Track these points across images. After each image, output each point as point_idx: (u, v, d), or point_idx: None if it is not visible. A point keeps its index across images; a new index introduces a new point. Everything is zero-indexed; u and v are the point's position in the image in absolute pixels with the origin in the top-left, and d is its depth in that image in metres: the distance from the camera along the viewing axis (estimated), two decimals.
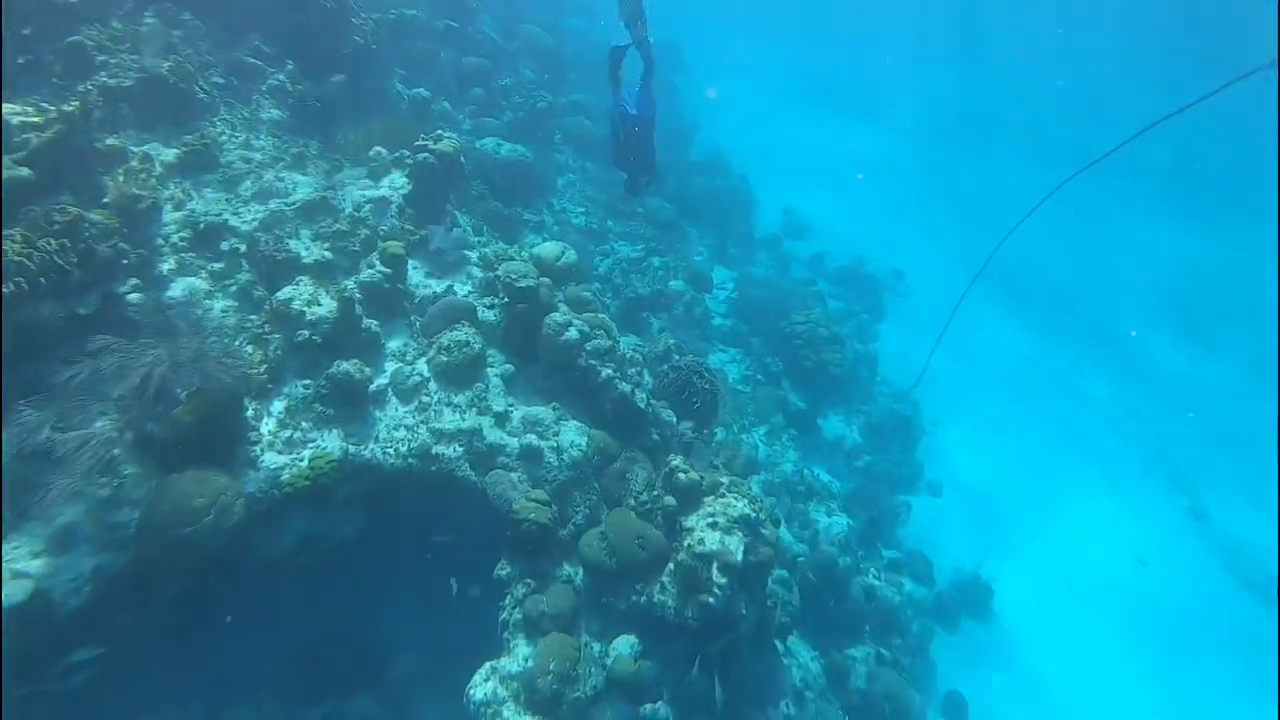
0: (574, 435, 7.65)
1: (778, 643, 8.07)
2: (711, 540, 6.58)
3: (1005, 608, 12.69)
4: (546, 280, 8.25)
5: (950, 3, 43.59)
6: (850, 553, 10.84)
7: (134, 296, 6.28)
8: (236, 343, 6.69)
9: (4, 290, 5.26)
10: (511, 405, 7.67)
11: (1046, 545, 14.34)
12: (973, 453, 15.66)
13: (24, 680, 5.11)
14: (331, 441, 6.69)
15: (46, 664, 5.28)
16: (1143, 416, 18.85)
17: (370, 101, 11.28)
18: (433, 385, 7.46)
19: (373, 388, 7.12)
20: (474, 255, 8.94)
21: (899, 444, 14.66)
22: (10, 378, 5.33)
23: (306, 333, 6.88)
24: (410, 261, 8.29)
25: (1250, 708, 11.93)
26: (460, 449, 7.16)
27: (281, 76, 9.69)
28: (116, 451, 5.54)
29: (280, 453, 6.44)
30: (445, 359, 7.50)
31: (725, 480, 7.28)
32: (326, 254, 7.76)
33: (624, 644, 6.60)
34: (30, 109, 6.40)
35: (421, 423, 7.17)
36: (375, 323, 7.47)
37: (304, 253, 7.62)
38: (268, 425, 6.54)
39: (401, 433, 7.04)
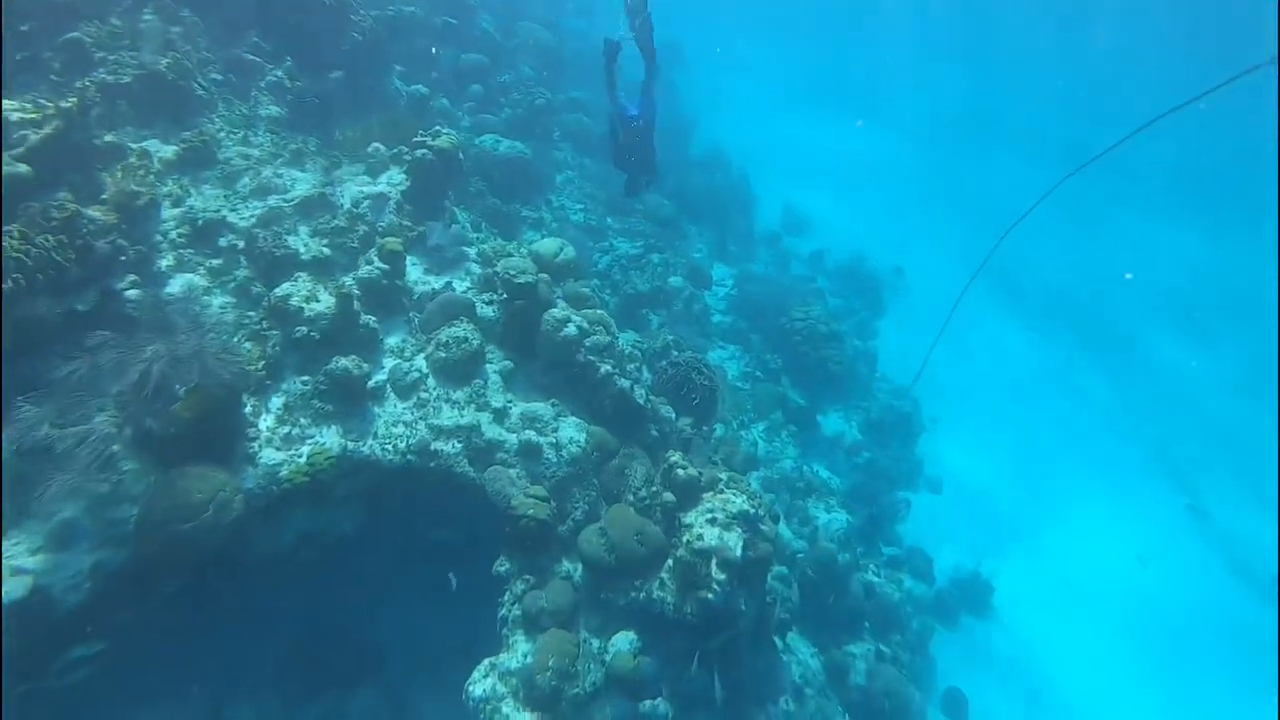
0: (573, 431, 7.65)
1: (777, 639, 8.06)
2: (710, 536, 6.57)
3: (1005, 605, 12.70)
4: (545, 276, 8.23)
5: (953, 2, 43.48)
6: (850, 549, 10.84)
7: (132, 293, 6.28)
8: (235, 339, 6.69)
9: (3, 286, 5.26)
10: (510, 401, 7.67)
11: (1046, 542, 14.36)
12: (973, 450, 15.66)
13: (24, 677, 5.12)
14: (330, 438, 6.69)
15: (47, 660, 5.29)
16: (1143, 414, 18.84)
17: (369, 98, 11.27)
18: (431, 381, 7.45)
19: (371, 384, 7.12)
20: (472, 252, 8.93)
21: (898, 440, 14.67)
22: (9, 374, 5.32)
23: (305, 329, 6.89)
24: (408, 258, 8.28)
25: (1251, 705, 11.92)
26: (459, 445, 7.16)
27: (280, 73, 9.69)
28: (115, 448, 5.55)
29: (279, 449, 6.44)
30: (444, 355, 7.50)
31: (724, 476, 7.27)
32: (325, 250, 7.76)
33: (623, 640, 6.59)
34: (29, 105, 6.41)
35: (420, 419, 7.16)
36: (373, 319, 7.47)
37: (302, 249, 7.63)
38: (266, 421, 6.55)
39: (400, 429, 7.04)
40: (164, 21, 8.69)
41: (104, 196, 6.55)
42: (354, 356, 6.94)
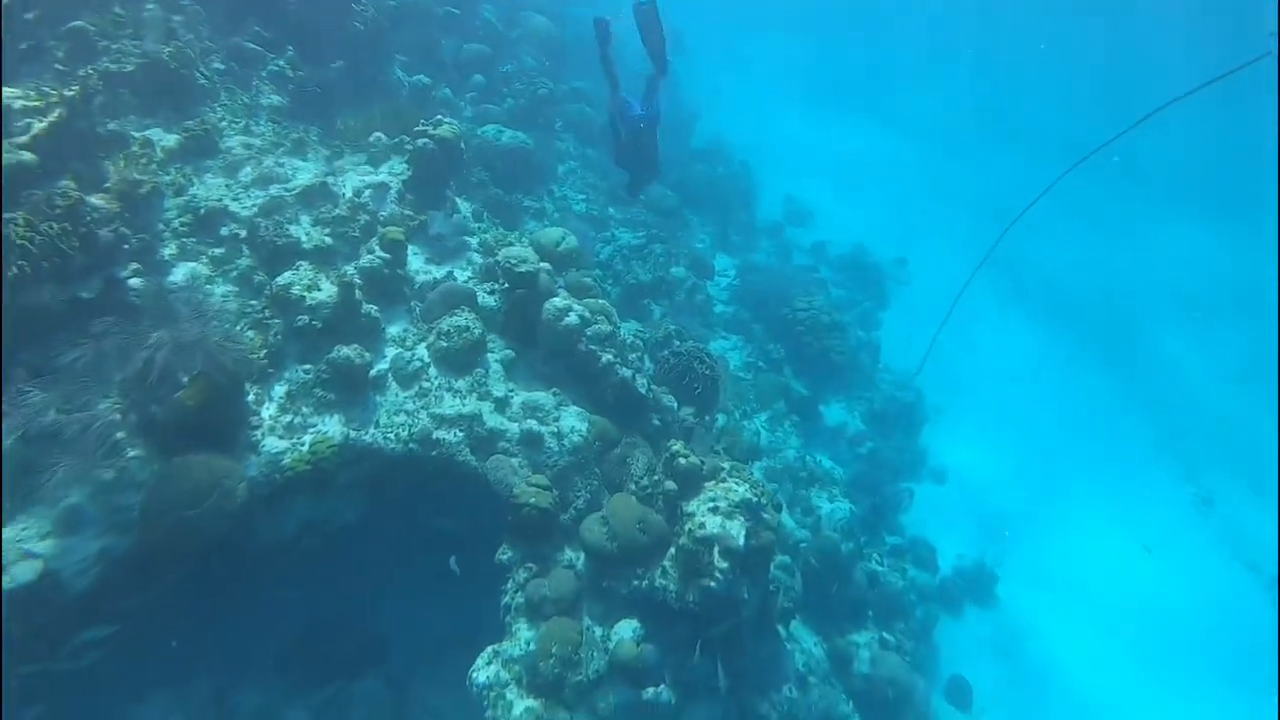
0: (574, 420, 7.65)
1: (780, 628, 8.07)
2: (713, 525, 6.57)
3: (1009, 594, 12.71)
4: (547, 266, 8.23)
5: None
6: (853, 538, 10.83)
7: (135, 281, 6.29)
8: (237, 328, 6.70)
9: (7, 274, 5.28)
10: (512, 390, 7.68)
11: (1051, 531, 14.35)
12: (976, 440, 15.64)
13: (36, 658, 5.18)
14: (332, 426, 6.71)
15: (58, 643, 5.35)
16: (1148, 404, 18.81)
17: (370, 88, 11.25)
18: (433, 370, 7.46)
19: (373, 373, 7.13)
20: (474, 241, 8.93)
21: (902, 431, 14.67)
22: (13, 361, 5.35)
23: (307, 318, 6.89)
24: (410, 247, 8.28)
25: (1256, 697, 11.92)
26: (461, 434, 7.17)
27: (282, 62, 9.67)
28: (120, 434, 5.58)
29: (281, 437, 6.46)
30: (445, 344, 7.51)
31: (726, 465, 7.28)
32: (326, 239, 7.76)
33: (626, 628, 6.61)
34: (32, 93, 6.40)
35: (422, 408, 7.18)
36: (375, 308, 7.47)
37: (304, 238, 7.63)
38: (269, 410, 6.56)
39: (402, 418, 7.05)
40: (166, 10, 8.66)
41: (107, 185, 6.55)
42: (356, 345, 6.95)
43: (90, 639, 5.44)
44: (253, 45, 9.58)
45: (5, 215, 5.46)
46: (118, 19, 8.03)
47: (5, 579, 4.91)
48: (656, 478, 7.14)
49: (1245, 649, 12.68)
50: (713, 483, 7.04)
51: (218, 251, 7.21)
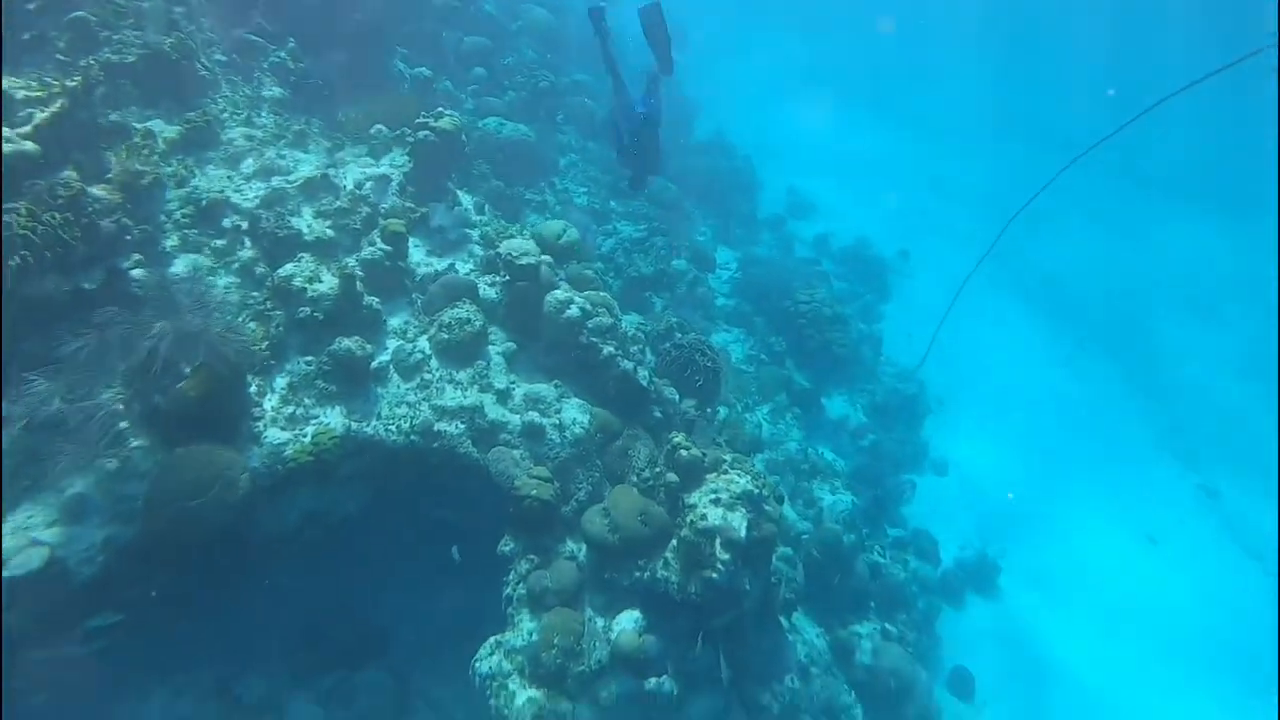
0: (576, 413, 7.66)
1: (782, 619, 8.08)
2: (715, 516, 6.58)
3: (1012, 585, 12.72)
4: (547, 258, 8.23)
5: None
6: (855, 530, 10.84)
7: (137, 272, 6.29)
8: (239, 319, 6.70)
9: (10, 264, 5.28)
10: (513, 383, 7.68)
11: (1054, 522, 14.34)
12: (979, 433, 15.64)
13: (44, 643, 5.23)
14: (334, 418, 6.72)
15: (65, 629, 5.40)
16: (1151, 397, 18.78)
17: (372, 80, 11.23)
18: (434, 363, 7.47)
19: (374, 365, 7.14)
20: (475, 233, 8.93)
21: (903, 423, 14.66)
22: (16, 351, 5.36)
23: (308, 309, 6.90)
24: (411, 240, 8.28)
25: (1260, 687, 11.92)
26: (462, 426, 7.18)
27: (283, 54, 9.66)
28: (123, 425, 5.59)
29: (283, 428, 6.47)
30: (447, 336, 7.51)
31: (728, 457, 7.27)
32: (328, 231, 7.76)
33: (628, 619, 6.63)
34: (34, 83, 6.40)
35: (423, 400, 7.18)
36: (376, 300, 7.48)
37: (305, 230, 7.63)
38: (271, 401, 6.57)
39: (403, 409, 7.06)
40: (167, 1, 8.64)
41: (109, 176, 6.55)
42: (357, 337, 6.95)
43: (97, 626, 5.48)
44: (254, 37, 9.58)
45: (7, 205, 5.46)
46: (119, 9, 8.01)
47: (15, 565, 4.94)
48: (658, 469, 7.15)
49: (1250, 640, 12.67)
50: (714, 475, 7.05)
51: (219, 243, 7.21)
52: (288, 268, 7.11)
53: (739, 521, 6.57)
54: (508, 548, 7.04)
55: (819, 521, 10.93)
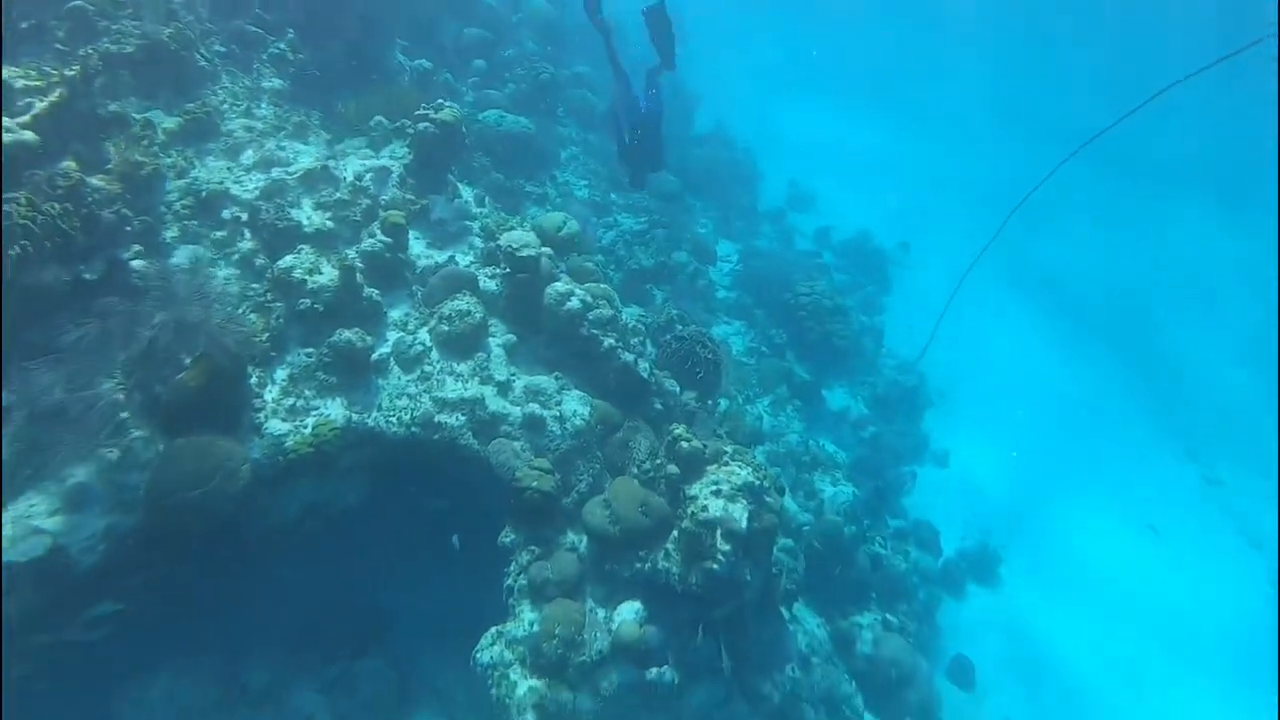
0: (577, 404, 7.66)
1: (783, 610, 8.09)
2: (715, 508, 6.59)
3: (1013, 575, 12.74)
4: (548, 250, 8.22)
5: None
6: (856, 522, 10.84)
7: (138, 263, 6.28)
8: (239, 310, 6.70)
9: (10, 254, 5.28)
10: (514, 374, 7.68)
11: (1056, 512, 14.36)
12: (979, 424, 15.63)
13: (47, 630, 5.26)
14: (334, 409, 6.72)
15: (68, 616, 5.42)
16: (1152, 387, 18.78)
17: (371, 72, 11.19)
18: (435, 354, 7.47)
19: (375, 356, 7.13)
20: (476, 225, 8.91)
21: (904, 415, 14.68)
22: (16, 341, 5.36)
23: (308, 301, 6.88)
24: (411, 231, 8.27)
25: (1261, 680, 11.93)
26: (463, 418, 7.18)
27: (282, 45, 9.62)
28: (124, 415, 5.59)
29: (284, 420, 6.46)
30: (447, 328, 7.50)
31: (729, 449, 7.28)
32: (328, 223, 7.75)
33: (629, 610, 6.64)
34: (33, 73, 6.39)
35: (424, 391, 7.18)
36: (376, 292, 7.47)
37: (305, 221, 7.61)
38: (271, 392, 6.57)
39: (404, 401, 7.06)
40: None
41: (108, 166, 6.54)
42: (357, 329, 6.95)
43: (99, 614, 5.50)
44: (254, 28, 9.53)
45: (7, 195, 5.45)
46: None
47: (18, 552, 4.96)
48: (659, 461, 7.16)
49: (1250, 629, 12.69)
50: (715, 466, 7.05)
51: (219, 234, 7.20)
52: (288, 259, 7.09)
53: (740, 513, 6.58)
54: (509, 539, 7.05)
55: (820, 513, 10.95)
